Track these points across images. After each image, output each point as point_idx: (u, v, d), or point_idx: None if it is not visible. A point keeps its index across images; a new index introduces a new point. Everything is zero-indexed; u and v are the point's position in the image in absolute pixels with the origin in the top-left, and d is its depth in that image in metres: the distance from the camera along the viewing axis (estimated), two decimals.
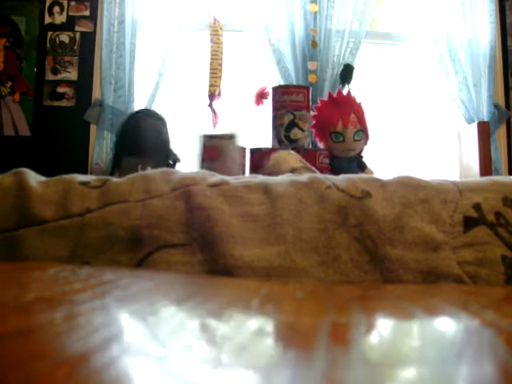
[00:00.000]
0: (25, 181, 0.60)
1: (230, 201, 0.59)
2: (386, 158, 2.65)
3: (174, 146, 1.89)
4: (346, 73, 2.41)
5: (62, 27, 2.52)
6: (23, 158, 2.40)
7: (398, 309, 0.38)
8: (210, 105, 2.39)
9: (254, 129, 2.32)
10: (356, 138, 1.45)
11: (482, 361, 0.23)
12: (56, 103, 2.48)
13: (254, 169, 1.25)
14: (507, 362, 0.22)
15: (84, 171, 2.38)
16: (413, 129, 2.70)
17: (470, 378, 0.21)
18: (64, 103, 2.48)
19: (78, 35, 2.52)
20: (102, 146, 2.42)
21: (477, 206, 0.58)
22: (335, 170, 1.32)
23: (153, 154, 1.68)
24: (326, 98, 1.54)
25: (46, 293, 0.35)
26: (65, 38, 2.52)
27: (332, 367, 0.21)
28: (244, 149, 1.29)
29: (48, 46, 2.51)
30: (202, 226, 0.57)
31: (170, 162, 1.81)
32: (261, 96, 1.90)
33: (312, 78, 2.47)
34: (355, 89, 2.49)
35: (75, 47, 2.52)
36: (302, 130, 1.25)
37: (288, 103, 1.27)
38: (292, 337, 0.27)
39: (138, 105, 2.44)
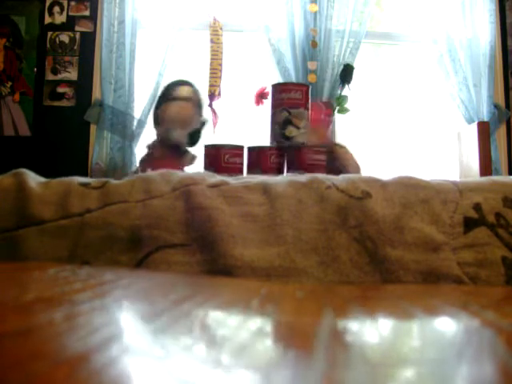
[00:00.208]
0: (24, 182, 0.60)
1: (230, 201, 0.59)
2: (386, 157, 2.65)
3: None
4: (346, 73, 2.41)
5: (62, 27, 2.52)
6: (23, 158, 2.40)
7: (398, 309, 0.38)
8: (210, 105, 2.39)
9: (254, 129, 2.32)
10: None
11: (482, 361, 0.23)
12: (56, 103, 2.48)
13: (252, 167, 1.25)
14: (507, 362, 0.22)
15: (84, 171, 2.38)
16: (413, 129, 2.70)
17: (470, 377, 0.21)
18: (64, 103, 2.48)
19: (77, 35, 2.52)
20: (101, 146, 2.42)
21: (477, 207, 0.58)
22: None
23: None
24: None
25: (45, 293, 0.35)
26: (65, 37, 2.52)
27: (332, 367, 0.21)
28: None
29: (48, 46, 2.51)
30: (202, 226, 0.57)
31: (199, 125, 1.83)
32: (261, 96, 1.90)
33: (312, 77, 2.47)
34: (355, 89, 2.50)
35: (75, 47, 2.52)
36: (298, 128, 1.24)
37: (285, 101, 1.27)
38: (292, 337, 0.27)
39: (138, 105, 2.44)
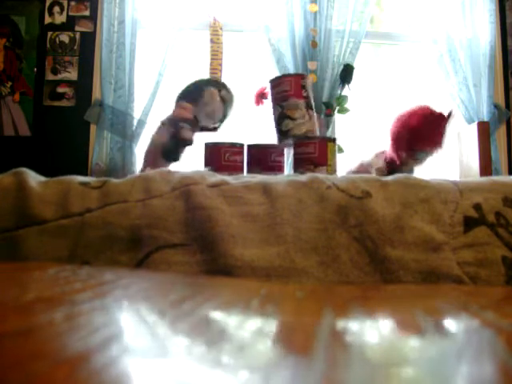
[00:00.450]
0: (24, 181, 0.60)
1: (230, 201, 0.59)
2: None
3: None
4: (346, 73, 2.41)
5: (62, 27, 2.52)
6: (23, 158, 2.40)
7: (398, 309, 0.38)
8: None
9: (254, 128, 2.32)
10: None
11: (482, 361, 0.23)
12: (56, 103, 2.48)
13: (252, 165, 1.25)
14: (507, 362, 0.22)
15: (84, 171, 2.38)
16: None
17: (470, 377, 0.21)
18: (64, 103, 2.49)
19: (78, 35, 2.52)
20: (101, 146, 2.42)
21: (477, 206, 0.58)
22: None
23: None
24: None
25: (45, 293, 0.35)
26: (65, 38, 2.52)
27: (332, 367, 0.21)
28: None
29: (48, 46, 2.51)
30: (202, 225, 0.57)
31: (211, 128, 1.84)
32: (261, 96, 1.90)
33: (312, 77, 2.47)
34: (355, 89, 2.50)
35: (75, 47, 2.52)
36: (293, 119, 1.22)
37: (276, 96, 1.26)
38: (292, 337, 0.27)
39: (137, 105, 2.44)
